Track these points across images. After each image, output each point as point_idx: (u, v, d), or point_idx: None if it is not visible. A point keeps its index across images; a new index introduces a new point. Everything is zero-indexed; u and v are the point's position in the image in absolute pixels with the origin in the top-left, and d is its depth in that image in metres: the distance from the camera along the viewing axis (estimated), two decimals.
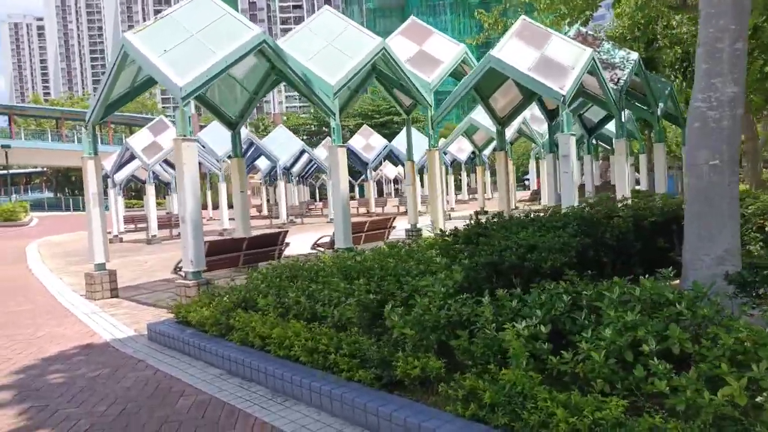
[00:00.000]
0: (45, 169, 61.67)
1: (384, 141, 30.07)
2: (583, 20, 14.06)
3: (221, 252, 8.68)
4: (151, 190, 19.62)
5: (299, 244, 13.18)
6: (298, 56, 9.71)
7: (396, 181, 57.29)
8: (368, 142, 29.42)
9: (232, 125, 11.36)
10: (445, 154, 30.67)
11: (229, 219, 22.33)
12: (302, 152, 26.19)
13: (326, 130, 79.85)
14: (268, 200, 34.07)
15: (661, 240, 5.98)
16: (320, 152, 28.70)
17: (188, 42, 8.11)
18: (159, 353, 5.90)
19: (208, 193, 38.00)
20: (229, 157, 13.92)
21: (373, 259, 6.10)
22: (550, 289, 4.10)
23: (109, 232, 25.76)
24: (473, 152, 33.68)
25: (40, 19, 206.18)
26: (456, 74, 13.41)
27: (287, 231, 9.88)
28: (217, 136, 22.20)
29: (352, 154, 29.51)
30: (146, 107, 67.57)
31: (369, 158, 28.63)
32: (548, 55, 10.69)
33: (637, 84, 13.85)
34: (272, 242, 9.55)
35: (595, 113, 19.02)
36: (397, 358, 3.89)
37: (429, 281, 4.64)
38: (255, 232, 10.93)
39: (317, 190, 56.84)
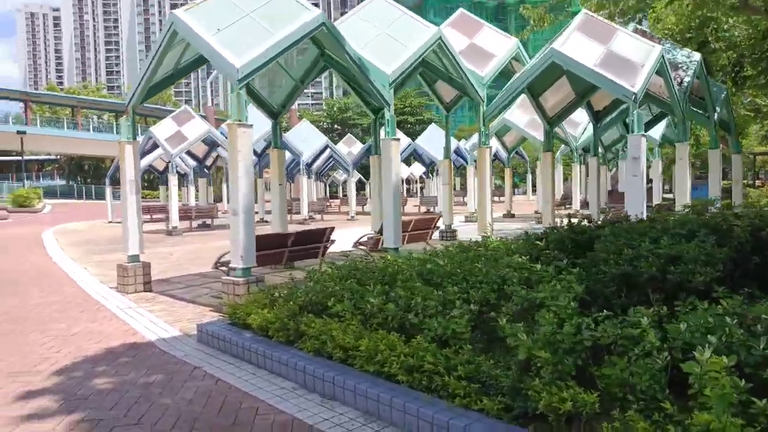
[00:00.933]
0: (58, 156, 61.45)
1: (407, 140, 29.45)
2: (638, 21, 13.40)
3: (266, 248, 8.03)
4: (173, 181, 19.06)
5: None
6: (351, 44, 9.08)
7: (419, 179, 56.65)
8: (350, 149, 28.81)
9: (274, 114, 10.75)
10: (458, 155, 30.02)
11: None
12: (325, 148, 25.55)
13: (338, 127, 79.39)
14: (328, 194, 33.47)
15: None
16: (342, 149, 28.10)
17: (243, 21, 7.48)
18: (213, 358, 5.27)
19: (224, 186, 37.51)
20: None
21: (452, 262, 5.44)
22: (708, 309, 3.43)
23: None
24: (494, 155, 33.05)
25: (57, 10, 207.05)
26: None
27: (333, 227, 9.24)
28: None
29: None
30: (161, 98, 67.30)
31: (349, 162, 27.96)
32: (614, 50, 10.01)
33: (695, 87, 13.12)
34: (318, 239, 8.91)
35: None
36: (532, 386, 3.23)
37: (547, 292, 3.98)
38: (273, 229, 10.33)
39: (327, 188, 56.28)
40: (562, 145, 26.42)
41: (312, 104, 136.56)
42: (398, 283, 5.12)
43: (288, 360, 4.63)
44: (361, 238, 10.54)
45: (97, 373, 4.92)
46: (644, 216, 8.80)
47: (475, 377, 3.54)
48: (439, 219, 11.83)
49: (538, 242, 5.54)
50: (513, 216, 23.29)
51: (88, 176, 63.69)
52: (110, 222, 26.74)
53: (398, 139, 9.09)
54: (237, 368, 4.96)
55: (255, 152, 24.55)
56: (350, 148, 29.73)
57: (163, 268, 11.26)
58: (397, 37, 9.61)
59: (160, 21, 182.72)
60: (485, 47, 11.75)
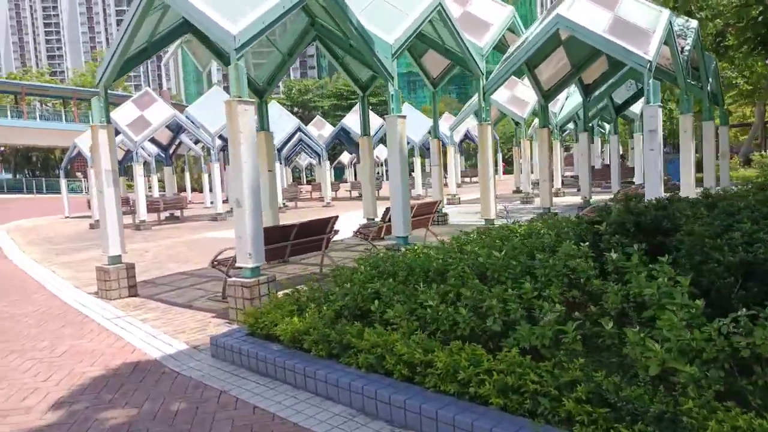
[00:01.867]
0: (2, 148, 57.64)
1: (379, 120, 28.57)
2: None
3: (267, 242, 7.21)
4: (139, 171, 17.73)
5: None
6: None
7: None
8: (320, 132, 27.89)
9: (259, 93, 9.81)
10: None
11: (217, 202, 20.65)
12: (296, 131, 24.45)
13: (298, 110, 77.20)
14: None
15: None
16: (311, 131, 27.01)
17: None
18: (238, 378, 4.50)
19: (186, 175, 35.89)
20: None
21: (501, 253, 4.79)
22: None
23: (89, 217, 23.70)
24: (465, 134, 32.60)
25: None
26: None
27: (337, 216, 8.47)
28: (208, 111, 20.36)
29: (344, 133, 28.00)
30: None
31: (322, 145, 27.13)
32: (622, 16, 9.49)
33: (692, 57, 12.82)
34: (321, 229, 8.13)
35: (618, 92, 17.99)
36: (687, 410, 2.63)
37: (653, 288, 3.38)
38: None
39: (291, 173, 54.46)
40: (535, 120, 26.16)
41: None
42: (451, 281, 4.45)
43: (338, 379, 3.91)
44: (364, 226, 9.80)
45: (103, 406, 4.09)
46: (662, 194, 8.38)
47: (601, 399, 2.91)
48: (439, 204, 11.20)
49: (597, 225, 4.95)
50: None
51: (36, 169, 60.15)
52: (67, 217, 25.10)
53: (404, 116, 8.35)
54: (272, 390, 4.21)
55: (222, 138, 23.32)
56: (320, 130, 28.70)
57: (142, 267, 10.24)
58: (393, 3, 8.80)
59: (103, 0, 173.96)
60: (480, 16, 11.05)
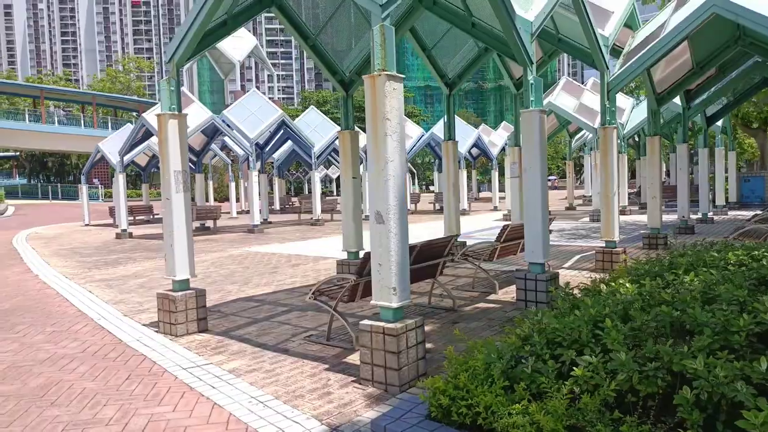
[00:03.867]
0: (17, 153, 56.58)
1: (420, 129, 27.04)
2: None
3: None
4: None
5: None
6: None
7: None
8: None
9: (345, 85, 8.18)
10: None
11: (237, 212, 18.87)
12: (336, 139, 22.82)
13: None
14: (288, 192, 30.72)
15: None
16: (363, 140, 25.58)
17: None
18: None
19: (209, 183, 34.37)
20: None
21: None
22: None
23: (111, 225, 22.13)
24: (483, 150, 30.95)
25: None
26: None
27: (456, 236, 6.77)
28: (246, 115, 18.83)
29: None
30: (131, 89, 62.80)
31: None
32: None
33: None
34: (440, 252, 6.41)
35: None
36: None
37: None
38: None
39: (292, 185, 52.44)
40: (588, 134, 24.51)
41: (284, 98, 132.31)
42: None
43: None
44: (472, 247, 8.08)
45: None
46: None
47: None
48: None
49: None
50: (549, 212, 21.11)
51: (51, 174, 59.00)
52: (87, 225, 23.60)
53: (545, 111, 6.68)
54: None
55: (258, 145, 21.78)
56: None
57: None
58: None
59: (120, 10, 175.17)
60: (600, 3, 9.40)
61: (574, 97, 18.30)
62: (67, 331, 6.33)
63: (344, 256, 8.88)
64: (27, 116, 45.36)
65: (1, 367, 5.07)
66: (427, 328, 5.83)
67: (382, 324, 4.30)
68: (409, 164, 34.50)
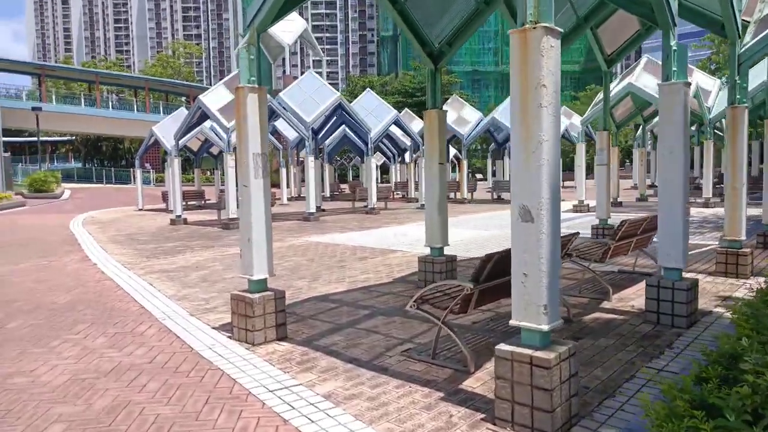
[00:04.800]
0: (73, 137, 58.08)
1: (479, 113, 25.76)
2: None
3: (491, 275, 4.53)
4: (231, 161, 15.54)
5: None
6: None
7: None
8: (460, 114, 25.11)
9: (433, 57, 7.19)
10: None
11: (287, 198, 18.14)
12: (391, 123, 21.86)
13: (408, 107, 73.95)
14: (338, 179, 30.06)
15: None
16: (418, 124, 24.81)
17: None
18: None
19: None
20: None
21: None
22: None
23: (164, 210, 21.93)
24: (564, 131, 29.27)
25: None
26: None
27: (576, 234, 5.73)
28: (303, 98, 18.08)
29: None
30: (181, 74, 63.44)
31: (463, 134, 24.34)
32: None
33: None
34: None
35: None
36: None
37: None
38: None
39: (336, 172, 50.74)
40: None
41: (329, 84, 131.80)
42: None
43: None
44: (582, 244, 7.00)
45: None
46: None
47: None
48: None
49: None
50: (621, 204, 19.68)
51: (104, 158, 60.40)
52: (140, 210, 23.49)
53: (689, 83, 5.54)
54: None
55: (312, 129, 21.05)
56: (410, 124, 26.12)
57: None
58: None
59: None
60: None
61: (655, 77, 16.71)
62: (131, 333, 5.65)
63: (417, 249, 7.95)
64: (83, 100, 46.26)
65: (63, 380, 4.39)
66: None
67: (528, 352, 3.35)
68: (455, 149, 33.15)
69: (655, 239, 6.13)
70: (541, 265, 3.32)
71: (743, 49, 7.44)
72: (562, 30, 3.42)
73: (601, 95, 20.54)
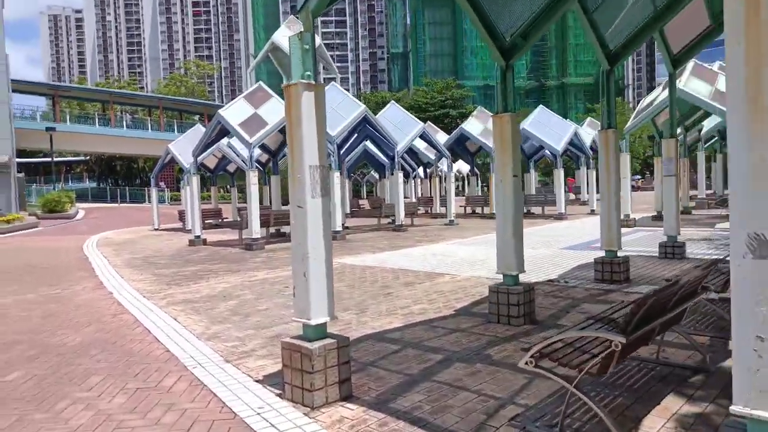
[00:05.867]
0: (87, 157, 57.83)
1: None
2: None
3: (642, 321, 3.41)
4: (253, 178, 14.57)
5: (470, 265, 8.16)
6: None
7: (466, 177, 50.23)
8: (486, 126, 24.07)
9: (504, 53, 6.14)
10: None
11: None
12: (419, 136, 20.85)
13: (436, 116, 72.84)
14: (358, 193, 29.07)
15: None
16: (441, 137, 23.77)
17: None
18: None
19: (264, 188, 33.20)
20: None
21: None
22: None
23: (181, 230, 20.93)
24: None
25: (79, 11, 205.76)
26: None
27: (708, 265, 4.60)
28: (327, 112, 17.10)
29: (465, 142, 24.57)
30: (195, 93, 63.20)
31: (491, 146, 23.28)
32: None
33: None
34: (695, 289, 4.24)
35: None
36: None
37: None
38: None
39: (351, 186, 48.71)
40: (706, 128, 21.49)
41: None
42: None
43: None
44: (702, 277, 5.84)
45: None
46: None
47: None
48: None
49: None
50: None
51: (118, 177, 60.04)
52: (156, 230, 22.61)
53: None
54: None
55: (337, 145, 20.08)
56: (434, 137, 25.17)
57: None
58: None
59: (182, 19, 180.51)
60: None
61: (707, 83, 15.60)
62: (156, 389, 4.57)
63: (465, 272, 6.83)
64: (97, 120, 45.94)
65: None
66: (689, 409, 3.71)
67: None
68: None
69: None
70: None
71: None
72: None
73: (645, 102, 19.44)
